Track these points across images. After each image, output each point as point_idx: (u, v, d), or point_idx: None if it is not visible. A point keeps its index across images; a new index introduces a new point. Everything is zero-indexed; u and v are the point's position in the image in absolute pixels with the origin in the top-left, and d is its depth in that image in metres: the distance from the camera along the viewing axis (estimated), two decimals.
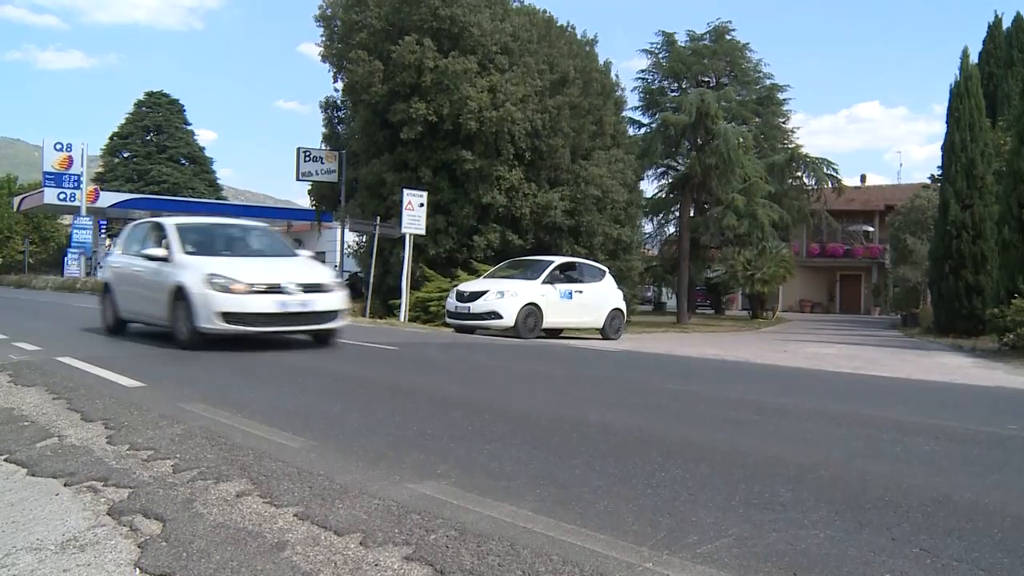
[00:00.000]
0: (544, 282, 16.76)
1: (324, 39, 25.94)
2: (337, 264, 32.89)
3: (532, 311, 16.24)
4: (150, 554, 2.80)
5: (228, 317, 9.29)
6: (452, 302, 17.02)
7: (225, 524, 3.11)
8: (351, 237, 29.46)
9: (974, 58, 24.88)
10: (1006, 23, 29.06)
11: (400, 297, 20.55)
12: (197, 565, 2.70)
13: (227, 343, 9.55)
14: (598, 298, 17.90)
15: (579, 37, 26.22)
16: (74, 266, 40.45)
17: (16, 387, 6.36)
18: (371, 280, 22.35)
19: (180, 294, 9.55)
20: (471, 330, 16.46)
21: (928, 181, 34.75)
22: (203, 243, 10.72)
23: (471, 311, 16.22)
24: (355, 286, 29.90)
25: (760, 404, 7.03)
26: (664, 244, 38.69)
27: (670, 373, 10.21)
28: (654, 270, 38.21)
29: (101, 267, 12.84)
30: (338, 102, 28.76)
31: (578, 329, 18.46)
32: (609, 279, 18.82)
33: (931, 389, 9.14)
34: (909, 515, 3.39)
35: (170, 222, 11.17)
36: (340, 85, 26.37)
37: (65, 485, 3.69)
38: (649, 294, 48.26)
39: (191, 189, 63.82)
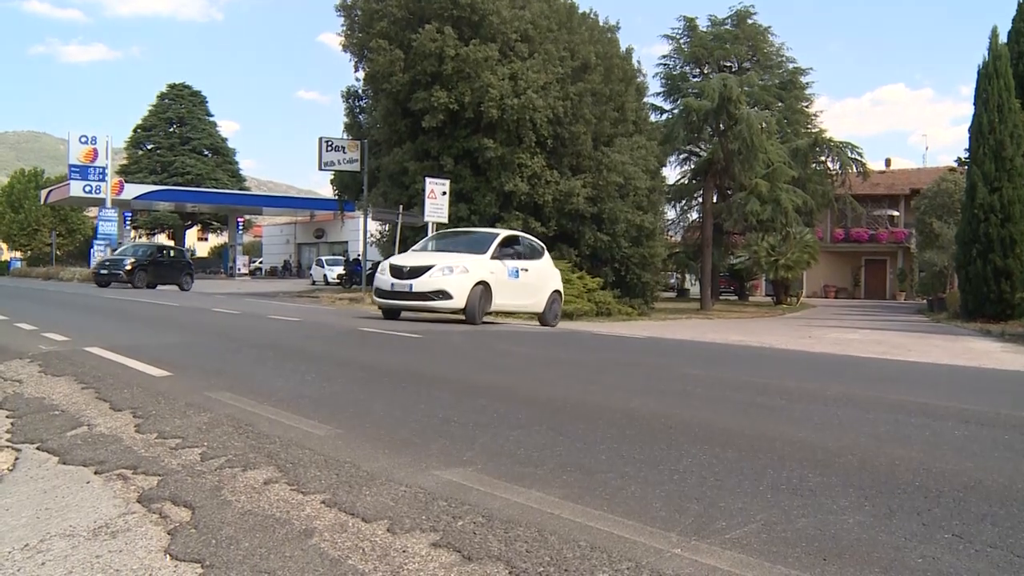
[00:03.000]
0: (492, 258, 14.74)
1: (345, 28, 25.99)
2: (360, 254, 32.93)
3: (484, 291, 14.17)
4: (180, 541, 2.82)
5: None
6: (386, 279, 14.19)
7: (253, 511, 3.13)
8: (374, 226, 29.55)
9: (1003, 37, 24.54)
10: None
11: None
12: (226, 552, 2.71)
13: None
14: (541, 278, 15.98)
15: (600, 23, 26.10)
16: (100, 257, 40.86)
17: (46, 377, 6.43)
18: None
19: None
20: (396, 313, 14.75)
21: (955, 164, 34.39)
22: None
23: (413, 290, 13.70)
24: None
25: (786, 389, 6.99)
26: (687, 230, 38.56)
27: (694, 359, 10.18)
28: (677, 257, 38.09)
29: None
30: (359, 91, 28.85)
31: (513, 314, 17.20)
32: (548, 257, 17.08)
33: (959, 374, 9.05)
34: (940, 500, 3.35)
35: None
36: (361, 74, 26.46)
37: (96, 473, 3.72)
38: (672, 281, 48.13)
39: (214, 180, 64.22)
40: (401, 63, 22.75)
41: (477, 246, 15.16)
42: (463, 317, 14.07)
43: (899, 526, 3.01)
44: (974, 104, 23.09)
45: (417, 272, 13.83)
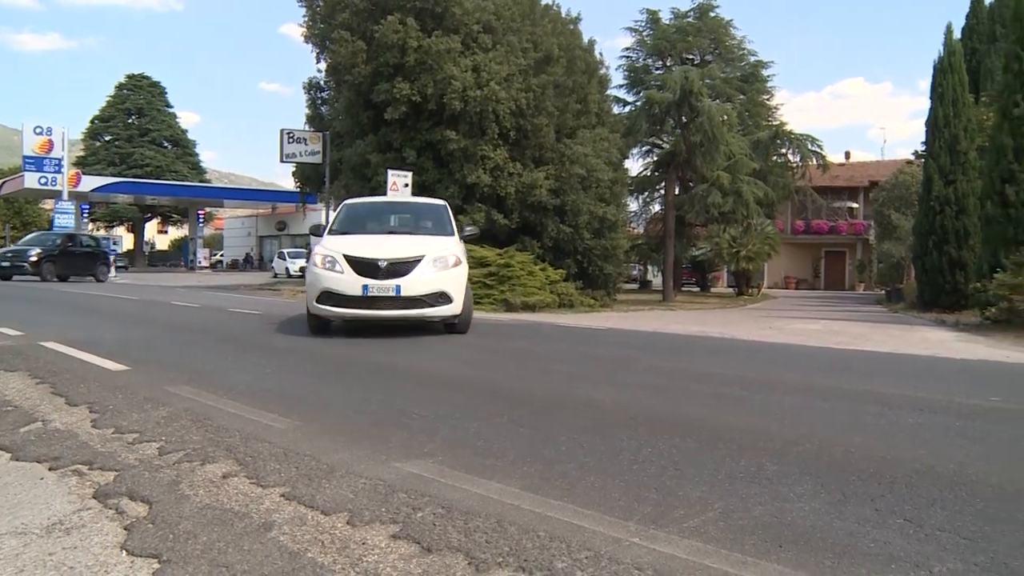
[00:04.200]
0: (460, 240, 11.04)
1: (306, 19, 25.72)
2: None
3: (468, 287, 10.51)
4: (136, 536, 2.79)
5: None
6: (347, 279, 9.41)
7: (211, 505, 3.11)
8: None
9: (957, 34, 24.94)
10: None
11: None
12: (184, 547, 2.69)
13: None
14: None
15: (563, 15, 26.06)
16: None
17: None
18: None
19: None
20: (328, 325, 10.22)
21: (912, 157, 34.84)
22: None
23: (401, 294, 9.40)
24: None
25: (746, 380, 7.06)
26: (649, 222, 38.72)
27: (657, 350, 10.24)
28: (640, 248, 38.27)
29: None
30: (321, 83, 28.59)
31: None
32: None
33: (915, 363, 9.19)
34: (893, 487, 3.42)
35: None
36: (323, 66, 26.16)
37: (50, 469, 3.67)
38: (635, 272, 48.36)
39: (174, 172, 63.46)
40: (363, 54, 22.57)
41: (432, 223, 11.37)
42: (445, 324, 10.41)
43: (853, 512, 3.07)
44: (930, 99, 23.40)
45: (402, 268, 9.45)
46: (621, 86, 35.52)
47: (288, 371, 6.93)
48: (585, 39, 26.21)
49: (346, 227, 10.84)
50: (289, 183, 38.68)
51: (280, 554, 2.63)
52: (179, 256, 69.56)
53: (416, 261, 9.58)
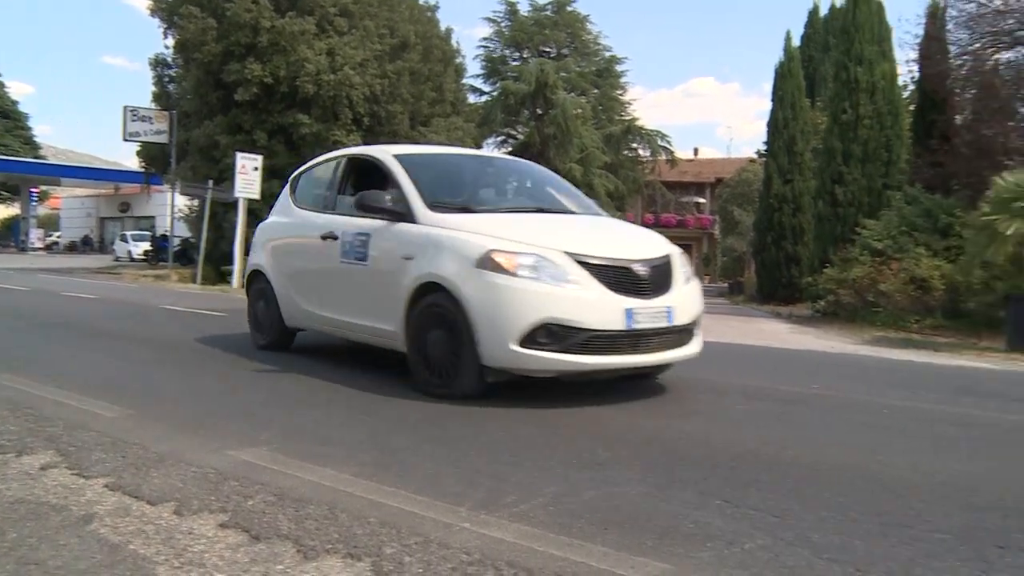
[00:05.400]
0: None
1: None
2: (168, 229, 31.57)
3: None
4: None
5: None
6: (602, 300, 4.97)
7: (25, 499, 2.96)
8: (182, 201, 28.41)
9: (796, 41, 26.16)
10: (823, 11, 30.70)
11: (232, 263, 19.96)
12: None
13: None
14: None
15: (420, 2, 25.97)
16: None
17: None
18: (203, 246, 21.62)
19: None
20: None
21: (755, 156, 36.39)
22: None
23: (674, 322, 5.31)
24: (186, 252, 28.91)
25: None
26: None
27: None
28: None
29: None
30: (169, 60, 27.45)
31: None
32: None
33: (748, 354, 9.62)
34: (716, 470, 3.58)
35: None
36: (171, 42, 25.15)
37: None
38: None
39: (3, 146, 59.66)
40: (214, 32, 21.85)
41: (563, 194, 6.91)
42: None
43: (677, 495, 3.20)
44: (771, 101, 24.57)
45: (660, 277, 5.40)
46: (478, 76, 35.70)
47: (122, 358, 6.66)
48: (443, 27, 26.26)
49: (440, 196, 5.91)
50: (134, 163, 37.12)
51: (99, 547, 2.52)
52: (9, 236, 65.58)
53: (668, 264, 5.49)
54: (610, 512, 2.96)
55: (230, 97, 22.09)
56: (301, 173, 7.58)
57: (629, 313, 4.95)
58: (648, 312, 5.07)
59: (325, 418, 4.42)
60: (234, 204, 20.39)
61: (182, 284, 21.09)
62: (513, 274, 4.86)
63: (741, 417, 4.96)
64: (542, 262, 4.93)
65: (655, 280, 5.23)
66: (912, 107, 19.91)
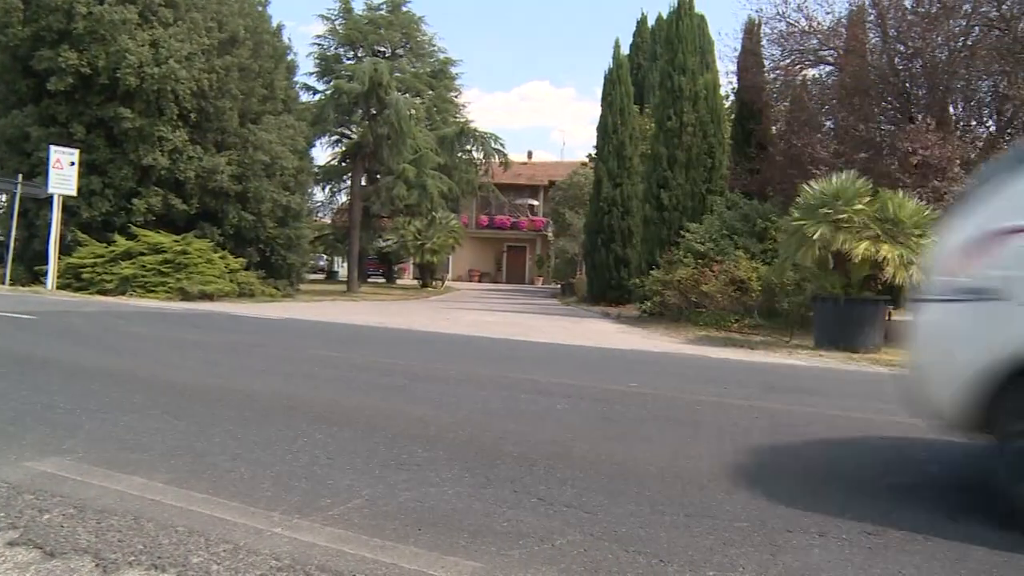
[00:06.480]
0: None
1: None
2: None
3: None
4: None
5: None
6: None
7: None
8: None
9: (625, 49, 27.14)
10: (651, 21, 31.95)
11: (47, 263, 18.93)
12: None
13: None
14: None
15: None
16: None
17: None
18: (12, 244, 20.37)
19: None
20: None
21: (586, 159, 37.36)
22: None
23: None
24: None
25: (412, 370, 7.35)
26: (336, 213, 38.68)
27: (328, 340, 10.33)
28: (325, 239, 38.16)
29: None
30: None
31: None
32: None
33: (575, 354, 9.97)
34: (533, 469, 3.76)
35: None
36: None
37: None
38: (321, 263, 48.01)
39: None
40: (20, 14, 20.53)
41: None
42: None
43: (493, 494, 3.35)
44: (602, 106, 25.36)
45: None
46: (311, 74, 35.11)
47: None
48: (274, 23, 25.67)
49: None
50: None
51: None
52: None
53: None
54: (425, 513, 3.06)
55: (43, 86, 20.85)
56: None
57: None
58: None
59: (137, 423, 4.37)
60: (48, 201, 19.36)
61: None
62: None
63: (562, 415, 5.20)
64: None
65: None
66: (733, 116, 21.06)
